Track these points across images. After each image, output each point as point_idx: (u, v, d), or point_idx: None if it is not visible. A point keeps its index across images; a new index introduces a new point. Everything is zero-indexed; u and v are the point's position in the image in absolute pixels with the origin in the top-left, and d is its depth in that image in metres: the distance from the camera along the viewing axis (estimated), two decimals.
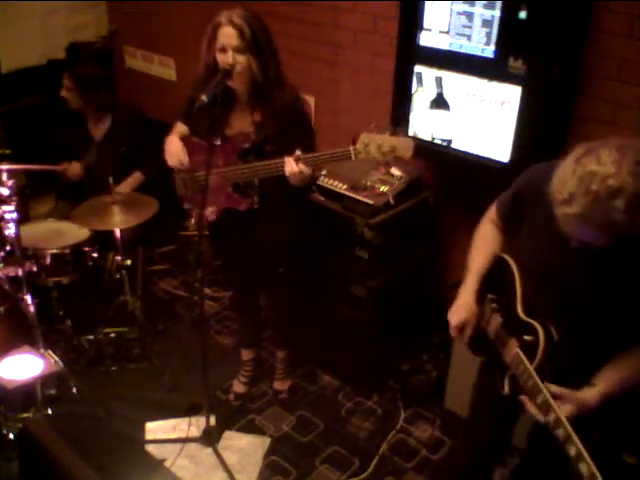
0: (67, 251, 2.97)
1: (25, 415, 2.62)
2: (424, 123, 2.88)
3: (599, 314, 1.64)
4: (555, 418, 1.55)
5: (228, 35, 2.26)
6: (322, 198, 2.92)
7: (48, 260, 2.92)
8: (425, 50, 2.76)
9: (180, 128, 2.61)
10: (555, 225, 1.52)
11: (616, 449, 2.21)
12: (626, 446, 2.22)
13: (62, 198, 3.67)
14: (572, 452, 1.47)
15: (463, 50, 2.64)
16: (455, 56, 2.67)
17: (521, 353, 1.71)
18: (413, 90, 2.86)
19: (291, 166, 2.29)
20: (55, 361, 2.79)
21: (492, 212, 2.00)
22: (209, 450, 2.72)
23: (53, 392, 2.82)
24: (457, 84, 2.71)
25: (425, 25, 2.72)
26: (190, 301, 3.72)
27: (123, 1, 4.41)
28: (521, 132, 2.56)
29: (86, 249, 3.02)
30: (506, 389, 1.80)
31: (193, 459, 2.73)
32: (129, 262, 3.10)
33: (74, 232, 3.06)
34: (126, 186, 3.31)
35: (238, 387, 3.13)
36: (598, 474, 1.39)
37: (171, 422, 2.93)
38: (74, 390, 2.89)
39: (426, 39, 2.75)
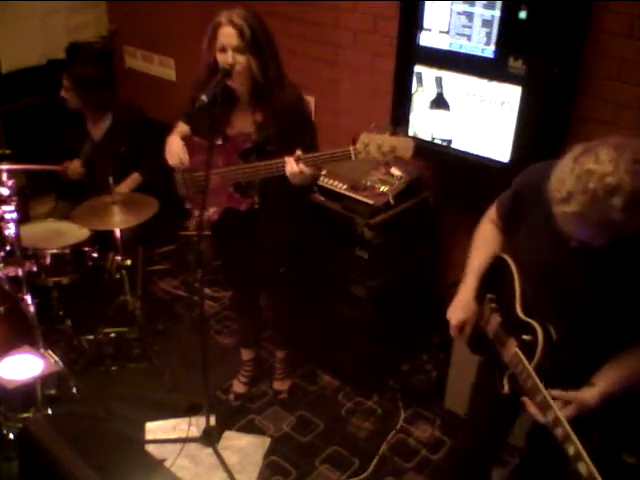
0: (67, 251, 2.97)
1: (25, 415, 2.62)
2: (424, 123, 2.88)
3: (598, 313, 1.65)
4: (554, 417, 1.55)
5: (228, 35, 2.26)
6: (322, 198, 2.92)
7: (48, 260, 2.92)
8: (425, 50, 2.76)
9: (181, 128, 2.61)
10: (554, 224, 1.52)
11: (616, 449, 2.22)
12: (626, 446, 2.22)
13: (62, 198, 3.67)
14: (571, 451, 1.47)
15: (463, 50, 2.64)
16: (455, 56, 2.67)
17: (520, 353, 1.71)
18: (413, 90, 2.86)
19: (291, 166, 2.29)
20: (55, 361, 2.79)
21: (492, 212, 2.01)
22: (209, 450, 2.72)
23: (53, 392, 2.82)
24: (457, 84, 2.71)
25: (425, 25, 2.72)
26: (190, 301, 3.72)
27: (123, 1, 4.41)
28: (521, 132, 2.56)
29: (86, 249, 3.02)
30: (505, 388, 1.80)
31: (193, 459, 2.73)
32: (129, 262, 3.10)
33: (74, 232, 3.06)
34: (124, 187, 3.30)
35: (238, 387, 3.13)
36: (597, 473, 1.39)
37: (171, 422, 2.93)
38: (74, 390, 2.89)
39: (426, 39, 2.75)
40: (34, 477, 1.98)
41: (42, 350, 2.69)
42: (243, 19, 2.26)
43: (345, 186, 2.88)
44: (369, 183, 2.88)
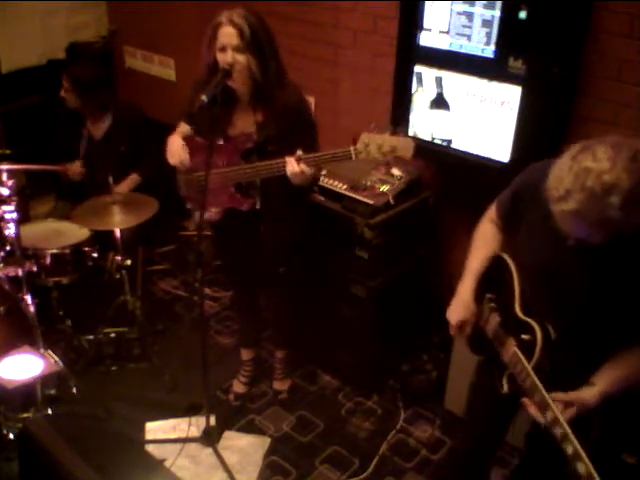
0: (67, 251, 2.97)
1: (25, 415, 2.62)
2: (424, 123, 2.88)
3: (596, 312, 1.65)
4: (552, 417, 1.55)
5: (228, 34, 2.26)
6: (322, 198, 2.92)
7: (48, 260, 2.92)
8: (425, 50, 2.76)
9: (183, 128, 2.61)
10: (552, 223, 1.53)
11: (616, 449, 2.22)
12: (626, 446, 2.22)
13: (62, 198, 3.67)
14: (569, 451, 1.47)
15: (463, 50, 2.63)
16: (455, 56, 2.67)
17: (519, 352, 1.71)
18: (413, 90, 2.86)
19: (292, 166, 2.29)
20: (55, 361, 2.79)
21: (492, 211, 2.01)
22: (209, 450, 2.72)
23: (53, 392, 2.82)
24: (457, 84, 2.71)
25: (425, 25, 2.72)
26: (190, 301, 3.72)
27: (123, 1, 4.41)
28: (521, 132, 2.56)
29: (86, 249, 3.02)
30: (505, 388, 1.81)
31: (193, 459, 2.73)
32: (129, 262, 3.10)
33: (74, 232, 3.06)
34: (123, 187, 3.30)
35: (238, 387, 3.13)
36: (595, 473, 1.39)
37: (171, 422, 2.93)
38: (74, 390, 2.89)
39: (426, 39, 2.74)
40: (34, 477, 1.98)
41: (42, 350, 2.69)
42: (243, 19, 2.26)
43: (345, 186, 2.88)
44: (369, 183, 2.88)
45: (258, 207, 2.54)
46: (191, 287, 3.76)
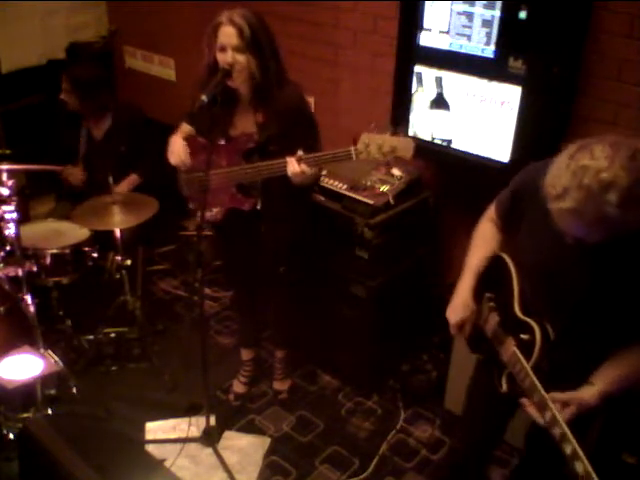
0: (67, 251, 2.97)
1: (25, 415, 2.62)
2: (424, 123, 2.88)
3: (596, 312, 1.65)
4: (551, 416, 1.55)
5: (228, 34, 2.26)
6: (322, 198, 2.92)
7: (48, 260, 2.92)
8: (425, 50, 2.76)
9: (185, 128, 2.61)
10: (552, 222, 1.53)
11: (616, 449, 2.22)
12: (626, 446, 2.22)
13: (62, 199, 3.67)
14: (568, 451, 1.47)
15: (463, 50, 2.63)
16: (455, 56, 2.67)
17: (518, 352, 1.71)
18: (413, 90, 2.86)
19: (293, 166, 2.29)
20: (55, 361, 2.79)
21: (491, 211, 2.01)
22: (209, 450, 2.72)
23: (53, 392, 2.82)
24: (457, 84, 2.71)
25: (425, 25, 2.72)
26: (190, 301, 3.72)
27: (123, 1, 4.41)
28: (521, 132, 2.56)
29: (86, 249, 3.01)
30: (504, 387, 1.81)
31: (193, 459, 2.73)
32: (129, 262, 3.10)
33: (74, 232, 3.06)
34: (122, 188, 3.30)
35: (238, 387, 3.13)
36: (593, 472, 1.39)
37: (171, 422, 2.93)
38: (74, 390, 2.89)
39: (426, 39, 2.74)
40: (34, 477, 1.98)
41: (42, 350, 2.69)
42: (243, 18, 2.26)
43: (345, 186, 2.88)
44: (369, 183, 2.88)
45: (259, 207, 2.54)
46: (191, 287, 3.76)
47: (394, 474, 2.74)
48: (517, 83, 2.51)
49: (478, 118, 2.69)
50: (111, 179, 2.96)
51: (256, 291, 3.03)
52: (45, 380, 2.66)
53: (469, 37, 2.60)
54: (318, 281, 3.04)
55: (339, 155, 2.26)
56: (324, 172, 2.91)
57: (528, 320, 1.73)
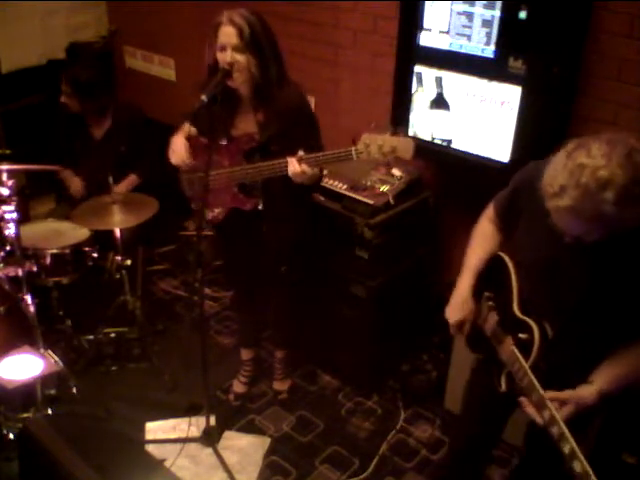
0: (67, 251, 2.96)
1: (25, 415, 2.62)
2: (424, 123, 2.88)
3: (594, 310, 1.65)
4: (549, 416, 1.55)
5: (227, 34, 2.27)
6: (322, 198, 2.92)
7: (48, 260, 2.92)
8: (425, 50, 2.76)
9: (187, 128, 2.61)
10: (550, 221, 1.53)
11: (616, 449, 2.22)
12: (626, 446, 2.22)
13: (63, 200, 3.67)
14: (566, 450, 1.47)
15: (463, 50, 2.63)
16: (455, 56, 2.67)
17: (516, 351, 1.72)
18: (413, 90, 2.86)
19: (294, 166, 2.29)
20: (55, 361, 2.78)
21: (490, 210, 2.01)
22: (209, 450, 2.72)
23: (53, 392, 2.81)
24: (457, 84, 2.71)
25: (425, 25, 2.72)
26: (190, 301, 3.72)
27: (123, 1, 4.41)
28: (521, 132, 2.56)
29: (86, 249, 3.01)
30: (503, 387, 1.81)
31: (193, 459, 2.73)
32: (129, 262, 3.10)
33: (74, 232, 3.06)
34: (121, 188, 3.30)
35: (238, 387, 3.13)
36: (591, 472, 1.39)
37: (171, 422, 2.93)
38: (74, 390, 2.89)
39: (426, 39, 2.74)
40: (34, 477, 1.98)
41: (42, 350, 2.69)
42: (243, 18, 2.27)
43: (345, 186, 2.88)
44: (369, 183, 2.89)
45: (261, 207, 2.54)
46: (191, 287, 3.76)
47: (394, 474, 2.74)
48: (517, 83, 2.51)
49: (478, 118, 2.69)
50: (111, 179, 2.96)
51: (256, 291, 3.03)
52: (45, 380, 2.66)
53: (469, 37, 2.60)
54: (318, 281, 3.04)
55: (339, 155, 2.26)
56: (324, 172, 2.91)
57: (527, 319, 1.74)
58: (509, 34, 2.48)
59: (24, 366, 2.52)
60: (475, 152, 2.75)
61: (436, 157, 2.90)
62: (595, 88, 2.54)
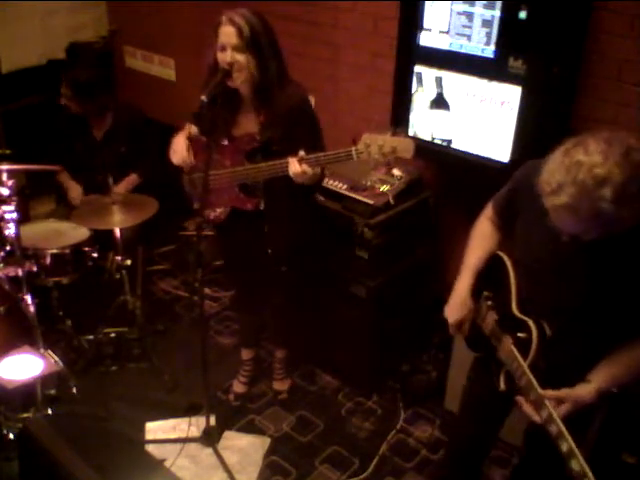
0: (67, 251, 2.97)
1: (25, 415, 2.62)
2: (424, 123, 2.88)
3: (593, 309, 1.65)
4: (548, 414, 1.55)
5: (227, 34, 2.26)
6: (322, 198, 2.92)
7: (48, 260, 2.92)
8: (425, 50, 2.76)
9: (189, 128, 2.61)
10: (549, 220, 1.53)
11: (616, 449, 2.22)
12: (626, 446, 2.22)
13: (63, 201, 3.67)
14: (564, 448, 1.48)
15: (463, 50, 2.63)
16: (455, 56, 2.67)
17: (515, 350, 1.72)
18: (413, 90, 2.86)
19: (295, 166, 2.29)
20: (55, 361, 2.78)
21: (489, 209, 2.01)
22: (209, 450, 2.72)
23: (53, 392, 2.81)
24: (457, 84, 2.71)
25: (425, 25, 2.72)
26: (190, 301, 3.72)
27: (123, 1, 4.41)
28: (521, 132, 2.56)
29: (86, 249, 3.02)
30: (502, 385, 1.81)
31: (193, 459, 2.73)
32: (129, 262, 3.10)
33: (74, 232, 3.06)
34: (121, 188, 3.30)
35: (238, 387, 3.13)
36: (589, 470, 1.39)
37: (171, 422, 2.93)
38: (74, 390, 2.89)
39: (426, 39, 2.74)
40: (34, 477, 1.98)
41: (42, 350, 2.69)
42: (243, 18, 2.26)
43: (345, 186, 2.88)
44: (369, 183, 2.89)
45: (262, 207, 2.54)
46: (191, 287, 3.76)
47: (394, 474, 2.74)
48: (517, 83, 2.51)
49: (478, 118, 2.69)
50: (111, 179, 2.96)
51: (256, 291, 3.03)
52: (45, 380, 2.66)
53: (469, 37, 2.60)
54: (318, 281, 3.04)
55: (340, 155, 2.26)
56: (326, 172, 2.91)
57: (525, 318, 1.74)
58: (509, 34, 2.48)
59: (24, 366, 2.52)
60: (475, 152, 2.75)
61: (436, 157, 2.90)
62: (595, 88, 2.54)
